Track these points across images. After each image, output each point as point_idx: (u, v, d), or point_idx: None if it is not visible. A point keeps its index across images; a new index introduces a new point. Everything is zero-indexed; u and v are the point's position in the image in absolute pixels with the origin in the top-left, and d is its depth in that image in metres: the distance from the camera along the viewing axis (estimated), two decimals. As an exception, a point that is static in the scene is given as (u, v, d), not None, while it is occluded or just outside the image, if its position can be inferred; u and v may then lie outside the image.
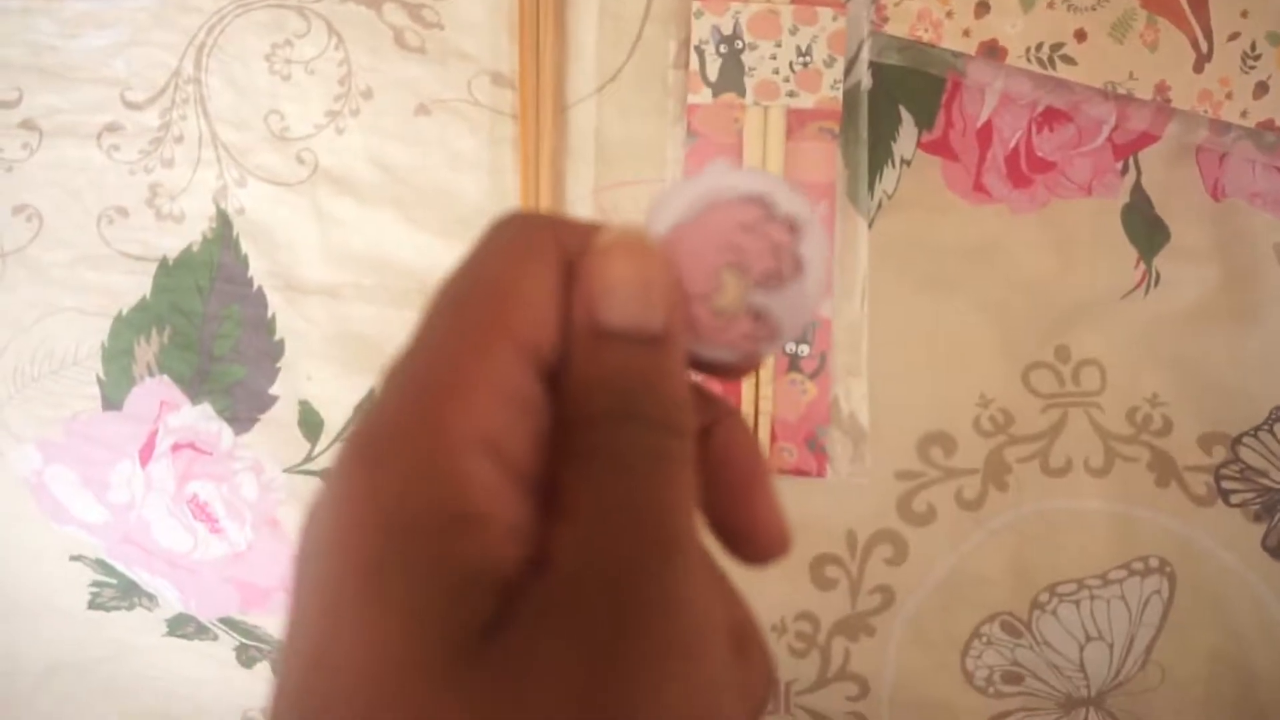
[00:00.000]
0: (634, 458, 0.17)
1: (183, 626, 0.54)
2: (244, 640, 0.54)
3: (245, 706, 0.58)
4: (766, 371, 0.48)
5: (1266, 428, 0.50)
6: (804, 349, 0.48)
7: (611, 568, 0.16)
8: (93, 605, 0.53)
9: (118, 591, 0.52)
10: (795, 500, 0.49)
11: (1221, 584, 0.50)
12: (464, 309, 0.19)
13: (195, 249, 0.49)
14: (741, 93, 0.48)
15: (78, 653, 0.56)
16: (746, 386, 0.48)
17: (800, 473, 0.48)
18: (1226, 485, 0.50)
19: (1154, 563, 0.50)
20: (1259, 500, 0.50)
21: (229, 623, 0.53)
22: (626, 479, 0.17)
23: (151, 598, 0.52)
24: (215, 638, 0.54)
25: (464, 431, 0.17)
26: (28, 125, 0.50)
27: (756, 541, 0.21)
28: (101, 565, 0.52)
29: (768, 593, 0.50)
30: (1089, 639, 0.50)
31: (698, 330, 0.22)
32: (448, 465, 0.17)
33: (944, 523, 0.49)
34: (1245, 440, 0.50)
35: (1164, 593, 0.50)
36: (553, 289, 0.19)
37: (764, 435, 0.48)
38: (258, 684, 0.56)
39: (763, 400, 0.48)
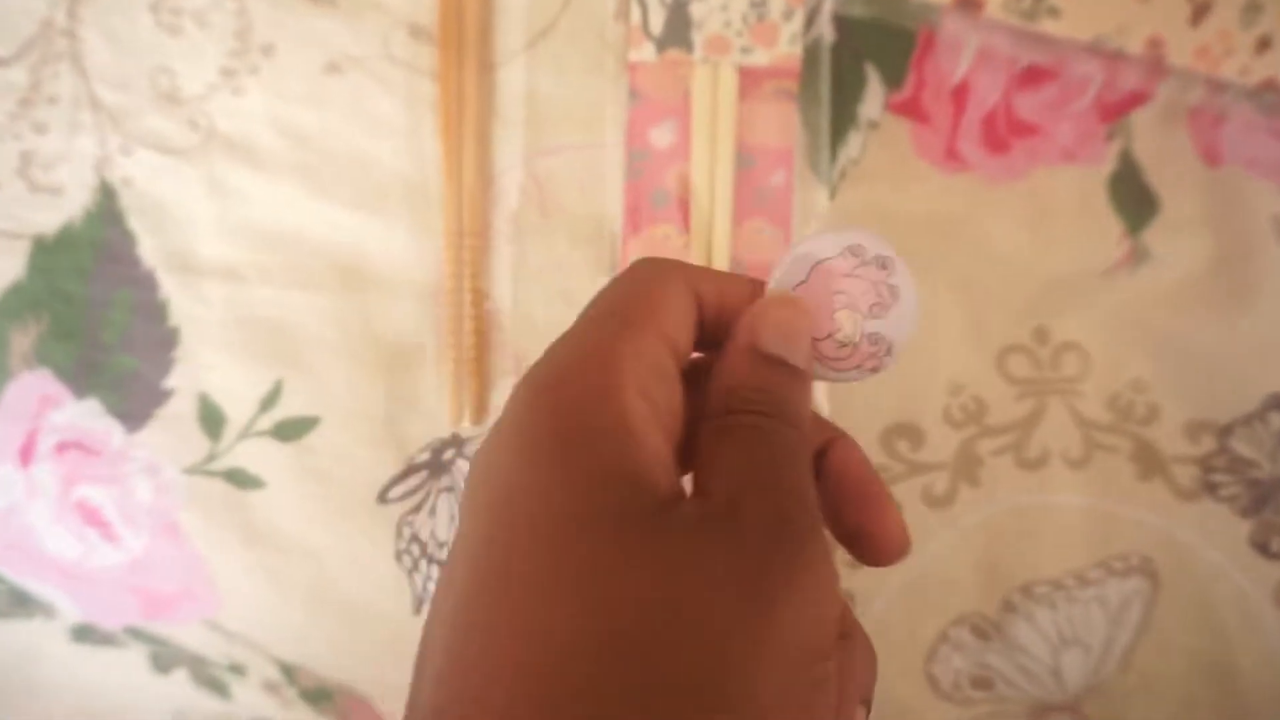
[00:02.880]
0: (776, 439, 0.22)
1: (88, 635, 0.49)
2: (155, 648, 0.49)
3: (175, 709, 0.54)
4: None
5: (1259, 416, 0.46)
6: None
7: (764, 504, 0.21)
8: (-13, 612, 0.49)
9: (10, 599, 0.48)
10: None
11: (1206, 583, 0.46)
12: (622, 305, 0.23)
13: (76, 226, 0.44)
14: (689, 48, 0.43)
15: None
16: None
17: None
18: (1214, 478, 0.46)
19: (1135, 561, 0.46)
20: (1248, 494, 0.46)
21: (134, 631, 0.48)
22: (770, 450, 0.22)
23: (48, 607, 0.48)
24: (124, 646, 0.50)
25: (626, 376, 0.21)
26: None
27: (880, 544, 0.24)
28: (-13, 572, 0.47)
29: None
30: (1064, 642, 0.47)
31: (829, 362, 0.28)
32: (616, 393, 0.21)
33: (910, 521, 0.45)
34: (1236, 429, 0.46)
35: (1145, 593, 0.46)
36: (688, 309, 0.24)
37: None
38: (176, 688, 0.52)
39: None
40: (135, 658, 0.50)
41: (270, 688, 0.49)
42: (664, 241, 0.44)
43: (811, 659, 0.20)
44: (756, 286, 0.25)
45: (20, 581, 0.47)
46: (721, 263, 0.44)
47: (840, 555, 0.45)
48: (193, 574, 0.45)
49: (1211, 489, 0.46)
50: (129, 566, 0.46)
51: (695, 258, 0.43)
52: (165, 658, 0.50)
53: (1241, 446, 0.46)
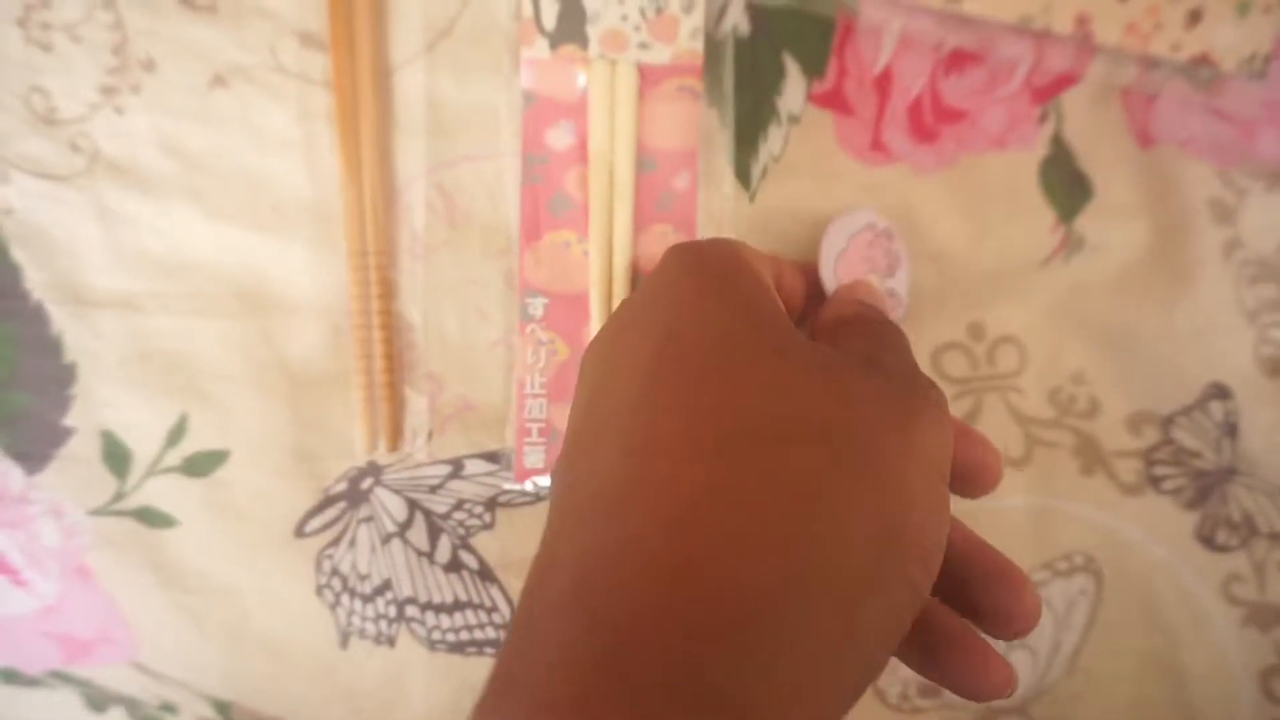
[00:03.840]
0: (893, 328, 0.30)
1: (14, 678, 0.48)
2: (83, 689, 0.48)
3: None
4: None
5: (1200, 406, 0.45)
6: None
7: (899, 361, 0.27)
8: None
9: (-76, 647, 0.46)
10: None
11: (1151, 580, 0.45)
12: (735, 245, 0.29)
13: (-44, 259, 0.41)
14: (584, 44, 0.41)
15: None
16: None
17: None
18: (1157, 471, 0.45)
19: (1079, 560, 0.45)
20: (1192, 485, 0.45)
21: (59, 675, 0.46)
22: (894, 333, 0.29)
23: (-37, 655, 0.46)
24: (52, 688, 0.48)
25: (757, 265, 0.28)
26: None
27: (1017, 622, 0.26)
28: (-106, 622, 0.45)
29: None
30: (1010, 646, 0.45)
31: None
32: (753, 265, 0.28)
33: (847, 530, 0.44)
34: (1178, 420, 0.45)
35: (1090, 593, 0.45)
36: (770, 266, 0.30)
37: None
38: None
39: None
40: (67, 698, 0.49)
41: (205, 725, 0.47)
42: (564, 249, 0.42)
43: (940, 472, 0.24)
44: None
45: (-73, 629, 0.45)
46: (622, 269, 0.42)
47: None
48: (108, 617, 0.44)
49: (1155, 482, 0.45)
50: (42, 612, 0.44)
51: (595, 265, 0.42)
52: (96, 698, 0.48)
53: (1184, 437, 0.45)
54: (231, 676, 0.45)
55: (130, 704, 0.47)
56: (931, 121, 0.45)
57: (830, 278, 0.42)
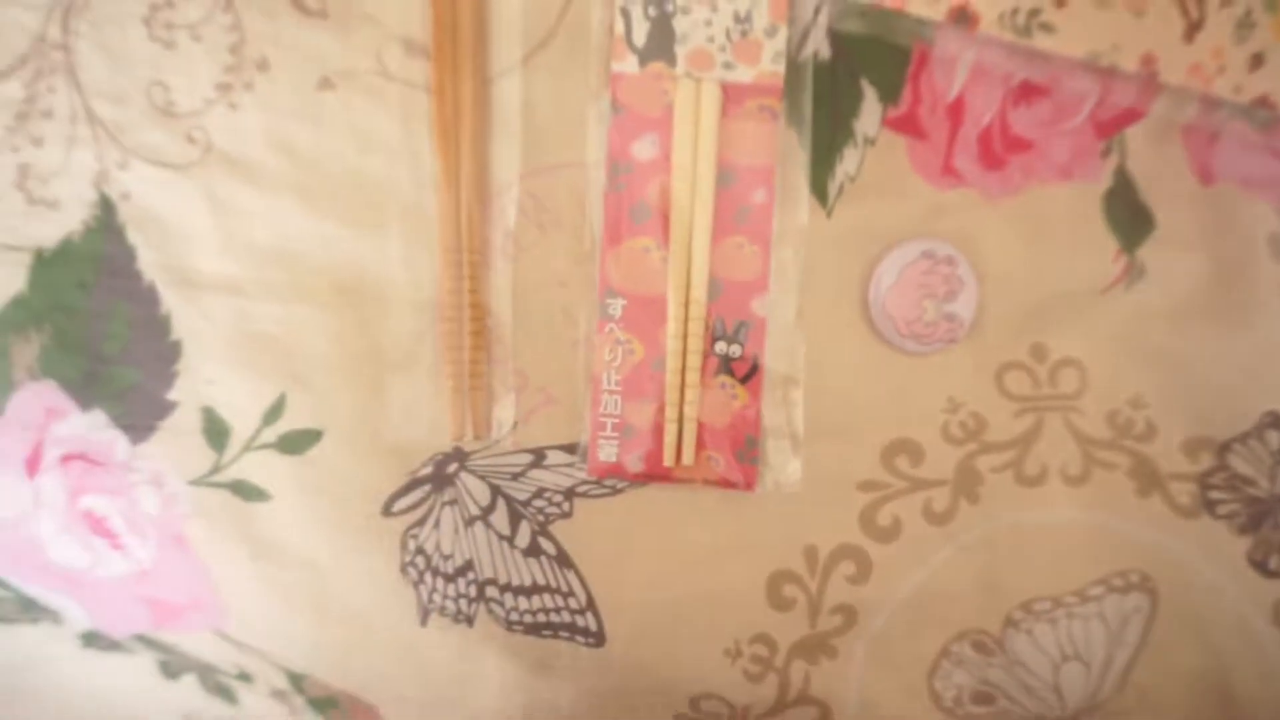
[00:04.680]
0: None
1: (96, 641, 0.50)
2: (164, 655, 0.49)
3: (184, 713, 0.54)
4: (692, 373, 0.44)
5: (1256, 434, 0.46)
6: (735, 350, 0.44)
7: None
8: (-6, 617, 0.49)
9: (16, 605, 0.48)
10: (748, 513, 0.45)
11: (1204, 601, 0.46)
12: None
13: (75, 239, 0.44)
14: (672, 62, 0.43)
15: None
16: (670, 388, 0.44)
17: (727, 484, 0.44)
18: (1212, 495, 0.46)
19: (1134, 578, 0.46)
20: (1246, 511, 0.46)
21: (144, 640, 0.48)
22: None
23: (55, 614, 0.48)
24: (133, 652, 0.50)
25: None
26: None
27: None
28: (-6, 581, 0.47)
29: (721, 611, 0.46)
30: (1065, 658, 0.47)
31: (919, 338, 0.42)
32: None
33: (911, 537, 0.46)
34: (1234, 446, 0.46)
35: (1144, 610, 0.46)
36: None
37: (689, 442, 0.44)
38: (186, 693, 0.52)
39: (687, 405, 0.44)
40: (144, 663, 0.51)
41: (278, 695, 0.49)
42: (643, 254, 0.44)
43: None
44: None
45: (27, 589, 0.47)
46: (699, 276, 0.44)
47: (841, 570, 0.45)
48: (199, 585, 0.46)
49: (1210, 506, 0.46)
50: (137, 576, 0.46)
51: (674, 272, 0.44)
52: (174, 664, 0.50)
53: (1239, 464, 0.46)
54: (311, 649, 0.46)
55: (204, 671, 0.49)
56: (1000, 150, 0.46)
57: (879, 311, 0.44)
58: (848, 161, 0.45)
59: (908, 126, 0.46)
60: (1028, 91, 0.46)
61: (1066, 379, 0.46)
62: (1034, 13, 0.44)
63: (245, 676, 0.48)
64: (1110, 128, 0.46)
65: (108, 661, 0.51)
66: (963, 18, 0.44)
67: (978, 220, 0.45)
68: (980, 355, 0.46)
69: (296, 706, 0.50)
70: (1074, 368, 0.46)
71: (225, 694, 0.51)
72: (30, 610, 0.49)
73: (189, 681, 0.51)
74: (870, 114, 0.45)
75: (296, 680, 0.48)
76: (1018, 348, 0.46)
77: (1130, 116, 0.46)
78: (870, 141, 0.45)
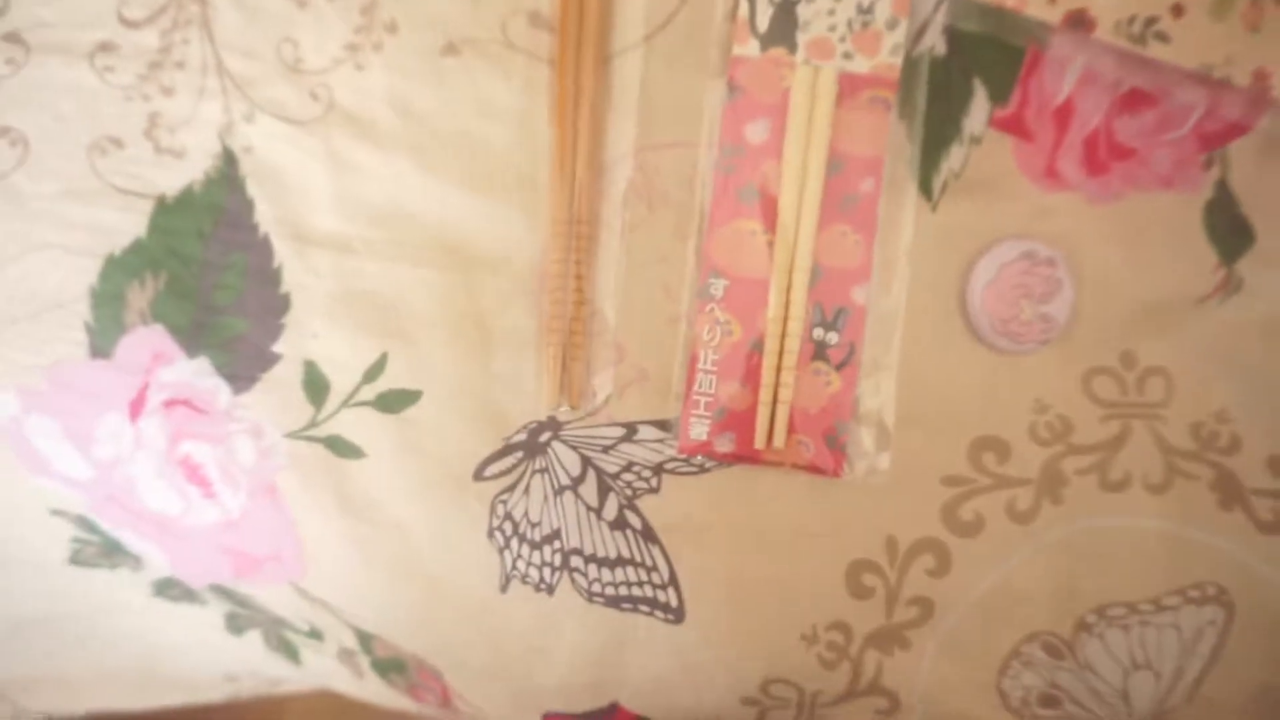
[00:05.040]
0: None
1: (169, 589, 0.51)
2: (235, 608, 0.50)
3: (230, 669, 0.56)
4: (789, 356, 0.44)
5: (1344, 453, 0.46)
6: (833, 337, 0.45)
7: None
8: (73, 561, 0.50)
9: (100, 550, 0.49)
10: (832, 499, 0.46)
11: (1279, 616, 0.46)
12: None
13: (197, 189, 0.45)
14: (792, 49, 0.44)
15: (52, 607, 0.53)
16: (766, 370, 0.44)
17: (815, 469, 0.45)
18: (1295, 512, 0.46)
19: (1211, 590, 0.46)
20: (1329, 530, 0.46)
21: (219, 590, 0.49)
22: None
23: (136, 559, 0.49)
24: (204, 603, 0.51)
25: None
26: (12, 38, 0.45)
27: None
28: (84, 522, 0.48)
29: (801, 596, 0.47)
30: (1136, 666, 0.47)
31: (1014, 337, 0.43)
32: None
33: (992, 534, 0.46)
34: (1319, 465, 0.46)
35: (1219, 623, 0.46)
36: None
37: (781, 425, 0.44)
38: (247, 650, 0.53)
39: (782, 388, 0.44)
40: (211, 616, 0.51)
41: (344, 655, 0.50)
42: (749, 237, 0.45)
43: None
44: None
45: (115, 532, 0.48)
46: (802, 262, 0.44)
47: (920, 563, 0.46)
48: (284, 537, 0.46)
49: (1292, 522, 0.46)
50: (224, 525, 0.47)
51: (778, 256, 0.44)
52: (241, 619, 0.51)
53: (1325, 481, 0.46)
54: (387, 608, 0.47)
55: (271, 627, 0.50)
56: (1104, 155, 0.46)
57: (977, 306, 0.44)
58: (953, 158, 0.45)
59: (1014, 127, 0.46)
60: (1135, 99, 0.46)
61: (1153, 387, 0.46)
62: (1150, 21, 0.44)
63: (315, 633, 0.49)
64: (1214, 140, 0.46)
65: (175, 611, 0.52)
66: (1080, 22, 0.44)
67: (1078, 224, 0.45)
68: (1070, 358, 0.46)
69: (362, 668, 0.51)
70: (1161, 377, 0.46)
71: (289, 651, 0.52)
72: (113, 555, 0.50)
73: (253, 638, 0.52)
74: (979, 112, 0.45)
75: (365, 640, 0.49)
76: (1108, 353, 0.46)
77: (1236, 130, 0.46)
78: (976, 140, 0.45)
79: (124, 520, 0.47)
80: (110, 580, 0.51)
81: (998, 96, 0.46)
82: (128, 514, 0.47)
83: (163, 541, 0.48)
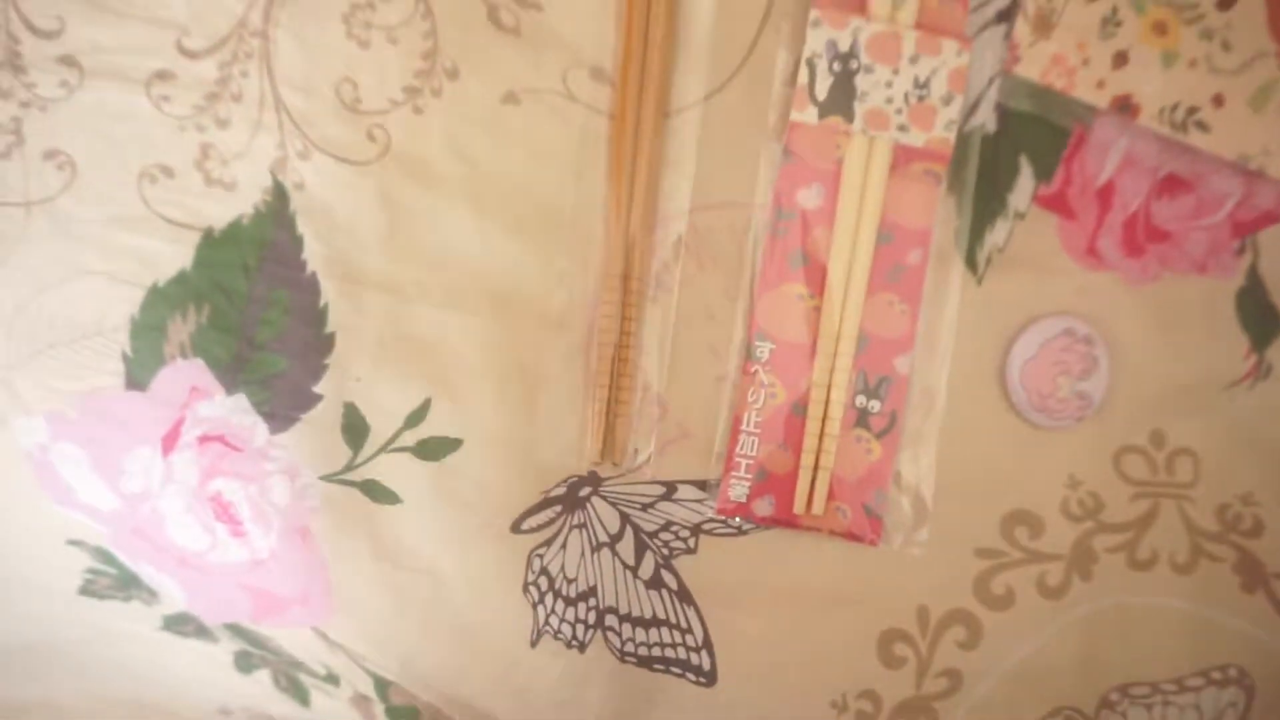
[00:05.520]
0: None
1: (181, 624, 0.49)
2: (248, 647, 0.49)
3: (225, 704, 0.54)
4: (832, 423, 0.44)
5: (1366, 542, 0.47)
6: (875, 405, 0.45)
7: None
8: (84, 591, 0.49)
9: (115, 582, 0.48)
10: (866, 567, 0.46)
11: (1299, 700, 0.47)
12: None
13: (245, 222, 0.44)
14: (849, 117, 0.44)
15: (54, 634, 0.51)
16: (808, 435, 0.44)
17: (853, 537, 0.45)
18: (1316, 597, 0.47)
19: (1233, 673, 0.47)
20: (1348, 617, 0.47)
21: (235, 629, 0.48)
22: None
23: (152, 593, 0.48)
24: (216, 640, 0.50)
25: None
26: (67, 61, 0.44)
27: None
28: (101, 554, 0.47)
29: (832, 663, 0.46)
30: (1156, 745, 0.47)
31: (1051, 413, 0.43)
32: None
33: (1023, 608, 0.46)
34: (1341, 552, 0.47)
35: (1239, 706, 0.47)
36: None
37: (821, 490, 0.44)
38: (253, 688, 0.52)
39: (824, 454, 0.44)
40: (220, 653, 0.50)
41: (358, 701, 0.49)
42: (796, 301, 0.45)
43: None
44: None
45: (133, 565, 0.47)
46: (849, 329, 0.44)
47: (951, 634, 0.46)
48: (313, 580, 0.45)
49: (1313, 608, 0.47)
50: (250, 565, 0.46)
51: (825, 322, 0.44)
52: (253, 658, 0.50)
53: (1346, 569, 0.47)
54: (411, 655, 0.46)
55: (283, 668, 0.49)
56: (1141, 237, 0.47)
57: (1016, 381, 0.45)
58: (997, 232, 0.46)
59: (1056, 204, 0.47)
60: (1172, 184, 0.47)
61: (1182, 468, 0.47)
62: (1192, 110, 0.45)
63: (331, 678, 0.48)
64: (1247, 227, 0.47)
65: (182, 646, 0.51)
66: (1125, 107, 0.45)
67: (1116, 303, 0.46)
68: (1101, 435, 0.46)
69: (374, 715, 0.50)
70: (1189, 457, 0.47)
71: (299, 694, 0.51)
72: (128, 588, 0.48)
73: (261, 677, 0.51)
74: (1023, 189, 0.46)
75: (382, 687, 0.48)
76: (1138, 432, 0.47)
77: (1268, 219, 0.47)
78: (1020, 216, 0.46)
79: (145, 554, 0.46)
80: (120, 612, 0.50)
81: (1042, 174, 0.46)
82: (150, 547, 0.46)
83: (183, 577, 0.46)
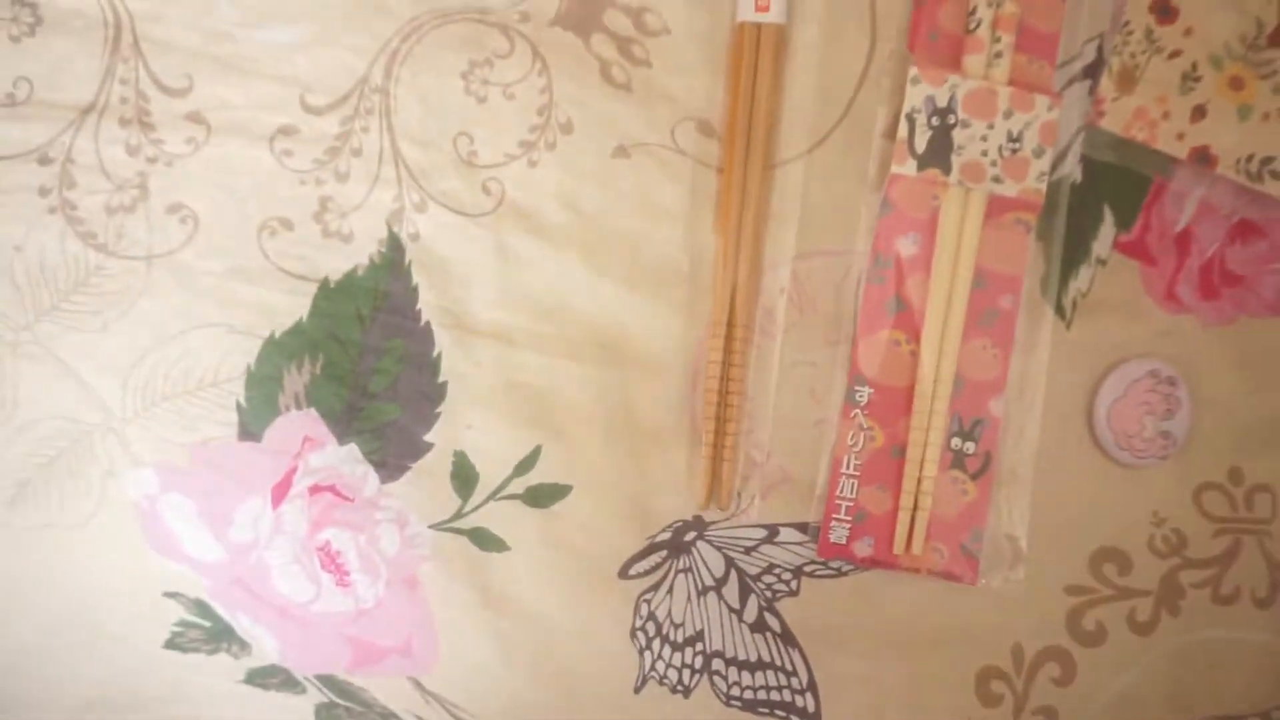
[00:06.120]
0: None
1: (267, 677, 0.49)
2: (335, 699, 0.49)
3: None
4: (930, 465, 0.45)
5: None
6: (970, 446, 0.46)
7: None
8: (170, 645, 0.48)
9: (206, 635, 0.48)
10: (961, 605, 0.47)
11: (1380, 732, 0.48)
12: None
13: (360, 273, 0.45)
14: (947, 170, 0.45)
15: (131, 688, 0.51)
16: (907, 478, 0.45)
17: (950, 576, 0.46)
18: (1393, 630, 0.48)
19: (1317, 705, 0.48)
20: None
21: (327, 680, 0.48)
22: None
23: (244, 645, 0.48)
24: (302, 691, 0.49)
25: None
26: (194, 118, 0.45)
27: None
28: (198, 606, 0.47)
29: (932, 703, 0.47)
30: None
31: (1135, 452, 0.46)
32: None
33: (1115, 644, 0.47)
34: None
35: (1324, 737, 0.48)
36: None
37: (920, 531, 0.45)
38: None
39: (923, 495, 0.45)
40: (304, 705, 0.50)
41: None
42: (894, 346, 0.46)
43: None
44: None
45: (229, 617, 0.47)
46: (946, 373, 0.45)
47: (1046, 671, 0.47)
48: (418, 629, 0.46)
49: (1391, 640, 0.48)
50: (354, 615, 0.46)
51: (925, 365, 0.45)
52: (337, 710, 0.49)
53: None
54: (516, 706, 0.46)
55: (369, 719, 0.49)
56: (1217, 281, 0.49)
57: (1102, 423, 0.46)
58: (1081, 278, 0.47)
59: (1136, 251, 0.48)
60: (1245, 230, 0.49)
61: (1261, 504, 0.48)
62: (1267, 160, 0.47)
63: (419, 730, 0.48)
64: (1315, 271, 0.49)
65: (262, 700, 0.50)
66: (1204, 158, 0.47)
67: (1195, 345, 0.48)
68: (1184, 473, 0.48)
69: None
70: (1268, 494, 0.48)
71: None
72: (218, 640, 0.48)
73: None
74: (1106, 236, 0.48)
75: (473, 737, 0.48)
76: (1217, 470, 0.48)
77: (1336, 262, 0.49)
78: (1102, 262, 0.48)
79: (244, 604, 0.46)
80: (202, 665, 0.49)
81: (1124, 222, 0.48)
82: (250, 598, 0.46)
83: (281, 628, 0.46)
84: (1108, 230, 0.48)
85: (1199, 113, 0.47)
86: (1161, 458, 0.47)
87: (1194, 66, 0.47)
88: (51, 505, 0.46)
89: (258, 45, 0.45)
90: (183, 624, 0.48)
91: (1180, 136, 0.47)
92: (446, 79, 0.44)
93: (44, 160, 0.45)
